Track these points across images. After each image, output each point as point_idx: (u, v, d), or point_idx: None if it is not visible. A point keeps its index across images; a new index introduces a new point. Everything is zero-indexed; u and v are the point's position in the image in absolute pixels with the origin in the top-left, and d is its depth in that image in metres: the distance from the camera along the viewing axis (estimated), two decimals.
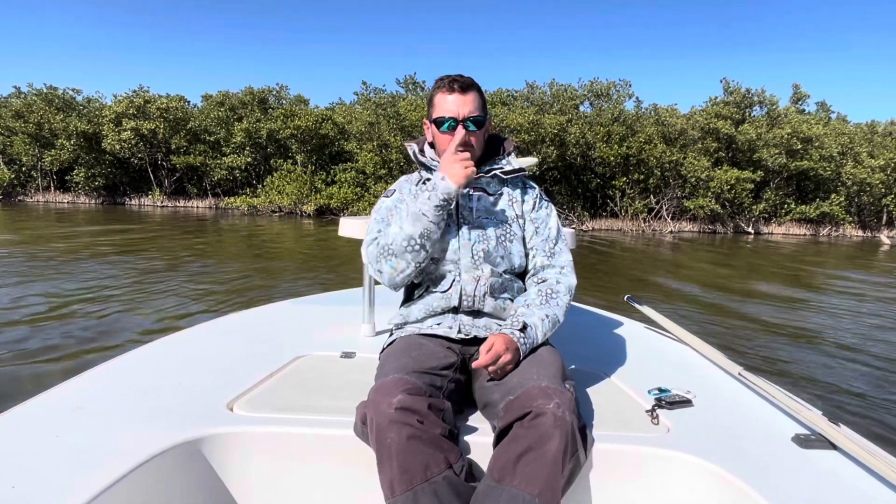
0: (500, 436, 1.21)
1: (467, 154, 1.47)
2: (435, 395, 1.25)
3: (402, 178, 1.74)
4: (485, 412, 1.38)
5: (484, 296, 1.53)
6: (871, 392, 3.96)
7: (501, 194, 1.63)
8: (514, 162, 1.64)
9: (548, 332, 1.49)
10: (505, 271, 1.58)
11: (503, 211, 1.61)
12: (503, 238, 1.57)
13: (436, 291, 1.55)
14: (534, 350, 1.44)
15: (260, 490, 1.26)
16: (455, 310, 1.55)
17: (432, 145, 1.67)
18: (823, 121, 30.07)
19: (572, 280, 1.60)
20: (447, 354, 1.44)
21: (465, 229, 1.55)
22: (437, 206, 1.45)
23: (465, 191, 1.60)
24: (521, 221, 1.62)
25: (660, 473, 1.24)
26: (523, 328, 1.43)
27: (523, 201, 1.64)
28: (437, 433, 1.15)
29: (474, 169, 1.45)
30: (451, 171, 1.45)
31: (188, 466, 1.19)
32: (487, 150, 1.64)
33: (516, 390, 1.26)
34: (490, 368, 1.35)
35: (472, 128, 1.52)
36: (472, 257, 1.53)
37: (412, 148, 1.68)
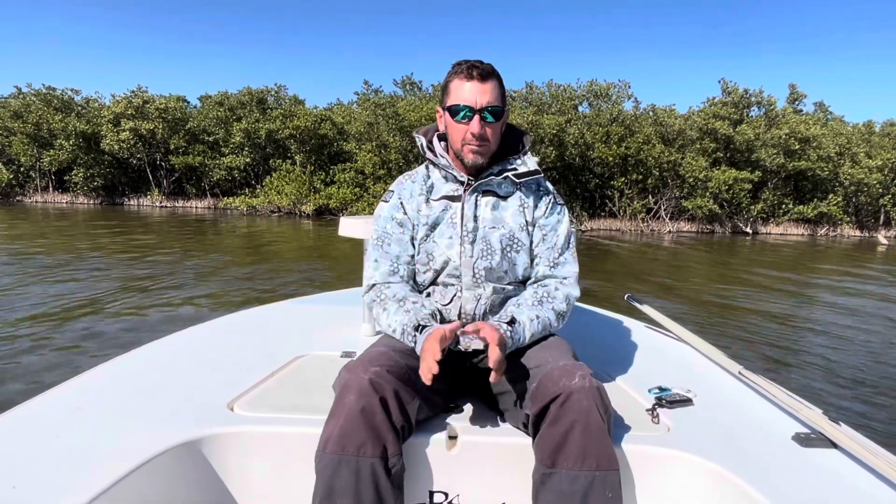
0: (535, 421, 1.20)
1: (434, 365, 1.18)
2: (408, 386, 1.24)
3: (403, 176, 1.60)
4: (510, 409, 1.33)
5: (484, 314, 1.47)
6: (867, 389, 3.96)
7: (513, 198, 1.51)
8: (529, 162, 1.50)
9: (536, 334, 1.39)
10: (509, 283, 1.51)
11: (512, 218, 1.49)
12: (509, 249, 1.48)
13: (436, 303, 1.49)
14: (543, 339, 1.43)
15: (260, 490, 1.26)
16: None
17: (441, 137, 1.54)
18: (821, 121, 30.07)
19: (573, 291, 1.49)
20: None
21: (467, 245, 1.45)
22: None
23: (471, 196, 1.48)
24: (530, 229, 1.51)
25: (660, 472, 1.24)
26: (511, 321, 1.36)
27: (535, 206, 1.52)
28: (390, 421, 1.15)
29: (429, 380, 1.19)
30: (422, 361, 1.22)
31: (189, 466, 1.19)
32: (503, 145, 1.50)
33: (536, 377, 1.26)
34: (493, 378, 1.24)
35: (489, 119, 1.39)
36: (474, 276, 1.45)
37: (421, 140, 1.55)
